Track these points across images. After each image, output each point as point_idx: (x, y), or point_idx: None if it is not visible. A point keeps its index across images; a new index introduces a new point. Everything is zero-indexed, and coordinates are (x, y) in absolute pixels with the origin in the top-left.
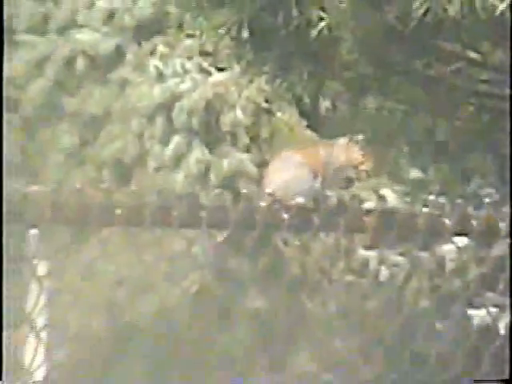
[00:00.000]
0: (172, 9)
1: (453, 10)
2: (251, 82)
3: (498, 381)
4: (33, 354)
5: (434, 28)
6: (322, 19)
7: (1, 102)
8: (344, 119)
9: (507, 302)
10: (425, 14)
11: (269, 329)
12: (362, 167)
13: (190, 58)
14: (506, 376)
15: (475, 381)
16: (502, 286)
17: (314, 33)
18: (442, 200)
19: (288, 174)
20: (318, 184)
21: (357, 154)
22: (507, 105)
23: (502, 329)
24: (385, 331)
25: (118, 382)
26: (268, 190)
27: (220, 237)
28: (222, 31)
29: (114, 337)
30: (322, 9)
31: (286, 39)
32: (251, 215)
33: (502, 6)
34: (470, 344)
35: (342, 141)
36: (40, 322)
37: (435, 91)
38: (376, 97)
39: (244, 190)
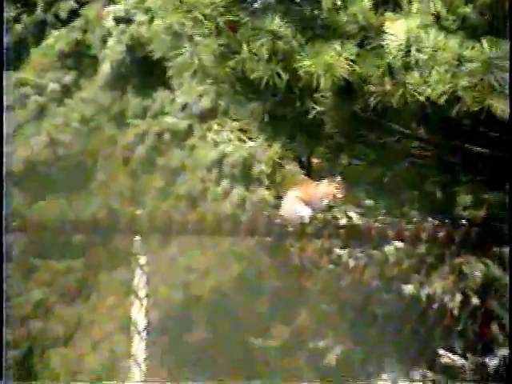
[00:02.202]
0: (221, 103)
1: (394, 102)
2: (270, 146)
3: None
4: (137, 314)
5: (382, 114)
6: (314, 108)
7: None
8: (326, 170)
9: (425, 280)
10: (377, 104)
11: (281, 298)
12: (337, 196)
13: (232, 132)
14: None
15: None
16: (424, 271)
17: (309, 117)
18: (386, 219)
19: (291, 203)
20: (309, 209)
21: (334, 189)
22: (428, 161)
23: (424, 296)
24: (352, 299)
25: (188, 334)
26: (281, 213)
27: (252, 241)
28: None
29: (187, 304)
30: (315, 102)
31: (292, 121)
32: (270, 227)
33: (422, 98)
34: (404, 306)
35: (325, 181)
36: (142, 293)
37: (382, 153)
38: (346, 156)
39: (265, 212)
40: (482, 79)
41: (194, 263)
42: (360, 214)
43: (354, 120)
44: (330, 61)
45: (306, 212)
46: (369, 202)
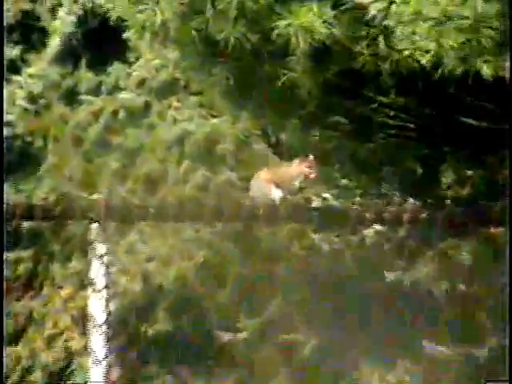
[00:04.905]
0: (181, 75)
1: (386, 68)
2: (234, 124)
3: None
4: (95, 306)
5: (359, 81)
6: (284, 74)
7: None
8: (297, 146)
9: (407, 265)
10: (360, 68)
11: (250, 285)
12: (310, 176)
13: (193, 109)
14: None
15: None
16: (405, 254)
17: (279, 83)
18: (363, 200)
19: (260, 185)
20: (279, 191)
21: (306, 168)
22: (409, 133)
23: (407, 283)
24: (326, 283)
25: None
26: (250, 195)
27: (218, 226)
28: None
29: (147, 294)
30: (284, 67)
31: (260, 88)
32: (238, 211)
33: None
34: (384, 293)
35: (297, 160)
36: (100, 284)
37: (358, 124)
38: (319, 128)
39: (232, 195)
40: (469, 40)
41: (154, 251)
42: (335, 196)
43: (327, 87)
44: (310, 22)
45: (276, 194)
46: (344, 182)
